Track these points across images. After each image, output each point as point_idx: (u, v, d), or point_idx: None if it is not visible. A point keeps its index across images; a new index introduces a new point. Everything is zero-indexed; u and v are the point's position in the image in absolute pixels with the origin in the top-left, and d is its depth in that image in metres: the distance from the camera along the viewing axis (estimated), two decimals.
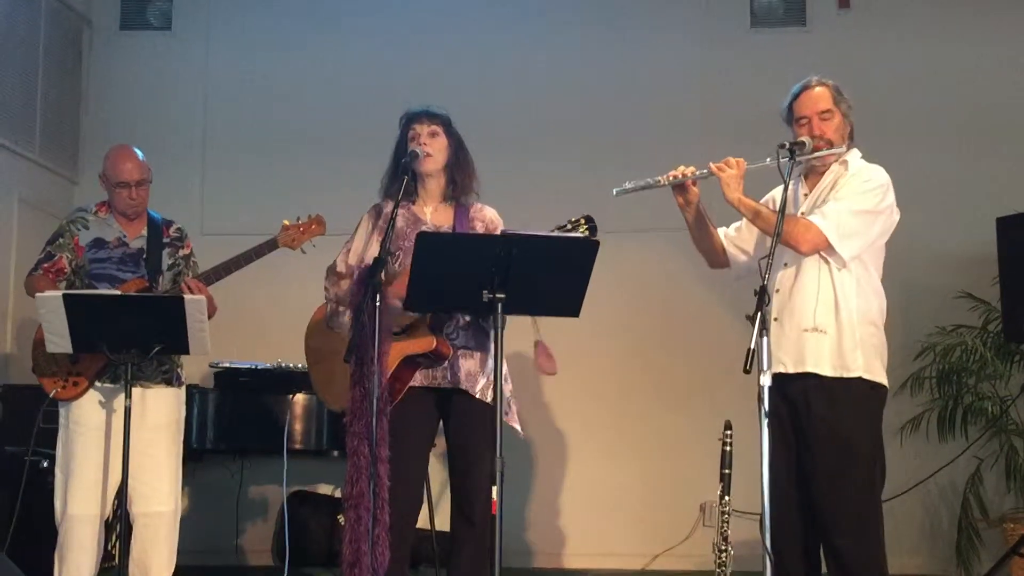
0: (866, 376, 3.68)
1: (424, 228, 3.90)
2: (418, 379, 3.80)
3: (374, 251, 3.89)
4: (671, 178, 3.76)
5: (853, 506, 3.66)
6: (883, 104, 6.18)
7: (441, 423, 3.95)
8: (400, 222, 3.81)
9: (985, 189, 6.30)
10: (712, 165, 3.73)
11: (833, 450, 3.65)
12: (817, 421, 3.68)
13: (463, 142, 4.02)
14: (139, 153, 4.44)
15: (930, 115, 6.52)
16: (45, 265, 4.37)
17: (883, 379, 3.75)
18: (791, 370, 3.70)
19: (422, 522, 4.06)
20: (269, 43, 6.98)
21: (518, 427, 3.95)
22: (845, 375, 3.67)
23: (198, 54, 7.02)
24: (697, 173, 3.76)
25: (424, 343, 3.75)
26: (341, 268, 3.97)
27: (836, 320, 3.68)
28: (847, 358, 3.67)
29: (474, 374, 3.85)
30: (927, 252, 6.18)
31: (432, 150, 3.90)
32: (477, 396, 3.83)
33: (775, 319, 3.72)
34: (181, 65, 7.02)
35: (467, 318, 3.86)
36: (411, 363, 3.79)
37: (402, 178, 3.75)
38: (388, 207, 3.92)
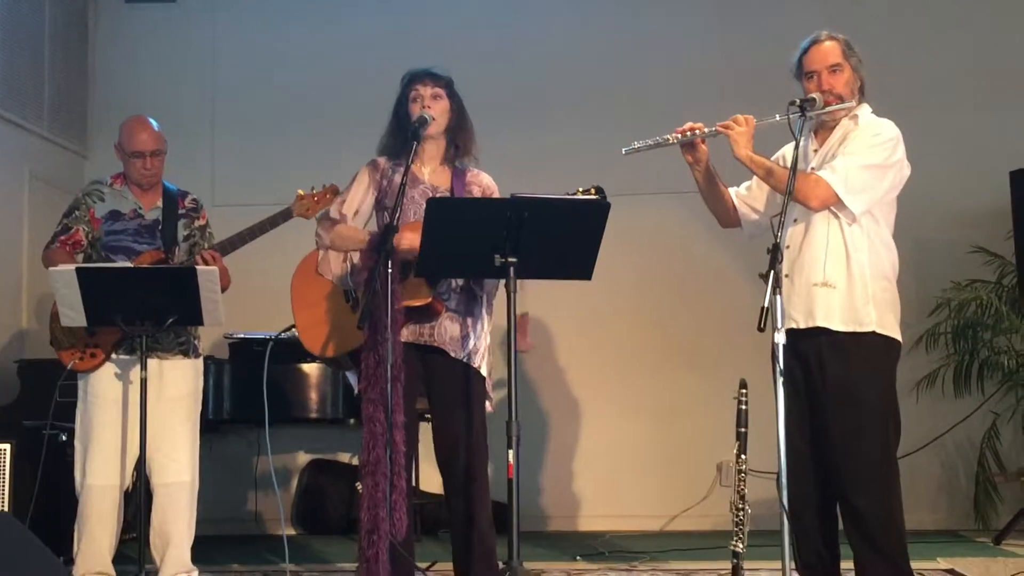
0: (879, 330, 3.66)
1: (422, 187, 3.92)
2: (404, 334, 3.76)
3: (368, 204, 4.00)
4: (680, 135, 3.74)
5: (869, 464, 3.65)
6: (896, 59, 6.12)
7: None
8: (396, 178, 3.81)
9: (998, 144, 6.25)
10: (720, 124, 3.71)
11: (847, 408, 3.64)
12: (831, 379, 3.67)
13: (464, 105, 4.02)
14: (154, 123, 4.45)
15: (943, 69, 6.46)
16: (62, 238, 4.39)
17: (897, 334, 3.73)
18: (802, 325, 3.69)
19: (439, 487, 4.08)
20: (276, 14, 6.95)
21: (488, 405, 3.99)
22: (858, 330, 3.65)
23: (205, 26, 6.99)
24: (707, 130, 3.74)
25: (420, 297, 3.76)
26: (334, 215, 4.00)
27: (847, 274, 3.66)
28: (860, 313, 3.65)
29: (458, 338, 3.87)
30: (941, 207, 6.15)
31: (435, 113, 3.90)
32: (462, 360, 3.87)
33: (786, 275, 3.69)
34: (188, 37, 7.00)
35: (461, 282, 3.88)
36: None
37: (411, 144, 3.74)
38: (384, 163, 3.98)
